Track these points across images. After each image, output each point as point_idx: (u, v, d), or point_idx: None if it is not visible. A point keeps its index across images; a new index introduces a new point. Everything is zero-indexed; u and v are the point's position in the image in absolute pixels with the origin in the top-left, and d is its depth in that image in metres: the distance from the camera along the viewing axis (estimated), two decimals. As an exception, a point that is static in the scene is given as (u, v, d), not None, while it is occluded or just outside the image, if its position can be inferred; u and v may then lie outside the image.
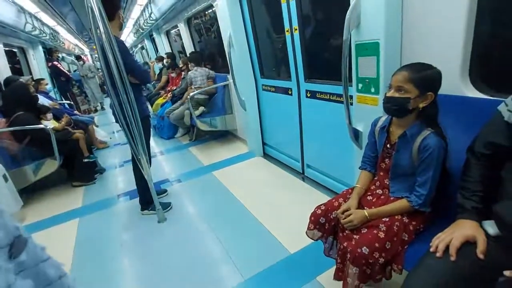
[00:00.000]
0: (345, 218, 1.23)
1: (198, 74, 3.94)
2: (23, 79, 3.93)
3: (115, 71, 1.91)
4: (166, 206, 2.50)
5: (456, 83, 1.24)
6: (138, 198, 2.51)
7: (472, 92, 1.24)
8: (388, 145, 1.29)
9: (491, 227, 0.93)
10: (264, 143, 3.43)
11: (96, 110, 8.29)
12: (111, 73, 1.92)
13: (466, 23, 1.17)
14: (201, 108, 3.96)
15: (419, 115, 1.17)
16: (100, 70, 9.26)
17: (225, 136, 4.32)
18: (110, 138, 4.95)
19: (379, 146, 1.33)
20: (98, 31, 1.85)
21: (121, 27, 2.27)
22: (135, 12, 5.46)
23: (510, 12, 1.20)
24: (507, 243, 0.89)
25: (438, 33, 1.27)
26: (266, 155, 3.43)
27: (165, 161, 3.82)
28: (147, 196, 2.37)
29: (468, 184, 1.02)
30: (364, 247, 1.10)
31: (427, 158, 1.12)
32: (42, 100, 3.88)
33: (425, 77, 1.11)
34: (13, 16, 3.93)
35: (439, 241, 0.96)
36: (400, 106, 1.14)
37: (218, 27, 3.34)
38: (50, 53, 6.63)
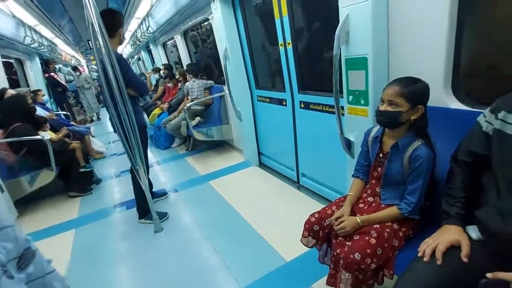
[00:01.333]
0: (338, 225, 1.27)
1: (195, 85, 4.01)
2: (20, 90, 3.97)
3: (114, 84, 1.97)
4: (163, 216, 2.52)
5: (440, 95, 1.31)
6: (136, 206, 2.55)
7: (455, 104, 1.31)
8: (380, 155, 1.34)
9: (474, 232, 0.98)
10: (259, 153, 3.48)
11: (92, 120, 8.30)
12: (110, 85, 1.98)
13: (447, 40, 1.25)
14: (197, 118, 4.02)
15: (410, 126, 1.22)
16: (96, 81, 9.33)
17: (221, 146, 4.37)
18: (107, 148, 4.97)
19: (371, 155, 1.38)
20: (98, 45, 1.91)
21: (120, 43, 2.34)
22: (133, 25, 5.56)
23: (487, 30, 1.29)
24: (489, 247, 0.95)
25: (422, 49, 1.35)
26: (261, 165, 3.47)
27: (161, 171, 3.85)
28: (145, 205, 2.40)
29: (451, 191, 1.07)
30: (357, 253, 1.15)
31: (418, 168, 1.17)
32: (39, 111, 3.91)
33: (415, 91, 1.16)
34: (13, 29, 3.99)
35: (426, 246, 1.01)
36: (392, 119, 1.20)
37: (214, 38, 3.43)
38: (47, 64, 6.67)
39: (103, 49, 1.91)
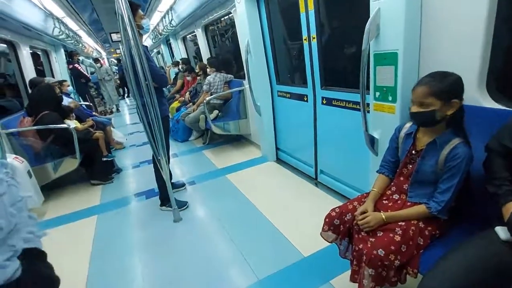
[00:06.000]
0: (362, 220, 1.26)
1: (217, 79, 4.04)
2: (48, 80, 4.13)
3: (140, 75, 2.02)
4: (183, 204, 2.59)
5: (473, 93, 1.27)
6: (158, 195, 2.65)
7: (489, 103, 1.27)
8: (413, 151, 1.31)
9: (503, 233, 0.96)
10: (277, 148, 3.48)
11: (111, 112, 8.51)
12: (136, 76, 2.03)
13: (484, 36, 1.20)
14: (215, 112, 4.06)
15: (448, 122, 1.19)
16: (116, 73, 9.54)
17: (238, 140, 4.39)
18: (126, 139, 5.09)
19: (402, 152, 1.36)
20: (127, 37, 1.96)
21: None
22: (155, 18, 5.64)
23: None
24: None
25: (456, 44, 1.30)
26: (279, 160, 3.47)
27: (179, 163, 3.91)
28: (166, 193, 2.46)
29: (494, 174, 1.06)
30: (380, 249, 1.14)
31: (455, 167, 1.14)
32: (66, 101, 4.04)
33: (445, 87, 1.12)
34: (42, 21, 4.14)
35: None
36: (427, 120, 1.17)
37: (233, 33, 3.43)
38: (71, 55, 6.88)
39: (131, 41, 1.95)
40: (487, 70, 1.26)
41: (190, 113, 4.35)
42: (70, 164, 3.16)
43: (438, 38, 1.37)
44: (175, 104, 5.37)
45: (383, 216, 1.24)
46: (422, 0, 1.37)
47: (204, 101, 3.79)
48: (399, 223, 1.22)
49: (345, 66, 2.34)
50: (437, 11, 1.34)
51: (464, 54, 1.28)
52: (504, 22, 1.20)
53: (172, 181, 2.75)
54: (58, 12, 4.36)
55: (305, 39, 2.45)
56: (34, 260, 0.81)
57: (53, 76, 5.88)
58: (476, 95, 1.28)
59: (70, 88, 4.90)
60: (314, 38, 2.34)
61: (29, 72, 4.26)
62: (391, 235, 1.19)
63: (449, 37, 1.33)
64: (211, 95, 4.03)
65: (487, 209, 1.10)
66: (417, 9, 1.38)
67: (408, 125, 1.35)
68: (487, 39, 1.21)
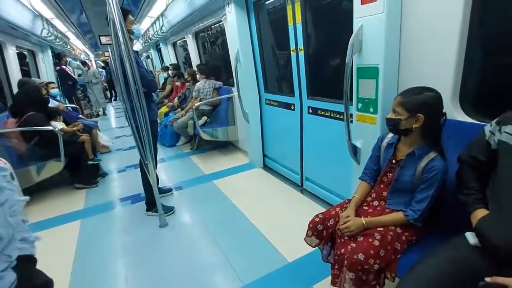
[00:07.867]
0: (343, 224, 1.32)
1: (206, 86, 4.08)
2: (36, 81, 4.05)
3: (130, 79, 2.03)
4: (169, 209, 2.59)
5: (447, 107, 1.36)
6: (144, 200, 2.64)
7: (462, 116, 1.36)
8: (393, 161, 1.38)
9: (472, 238, 1.03)
10: (264, 155, 3.53)
11: (98, 115, 8.38)
12: (126, 81, 2.05)
13: (457, 54, 1.30)
14: (204, 118, 4.08)
15: (423, 135, 1.27)
16: (102, 76, 9.41)
17: (226, 146, 4.42)
18: (112, 143, 5.03)
19: (383, 160, 1.43)
20: (118, 41, 1.98)
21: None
22: (145, 23, 5.64)
23: (497, 43, 1.34)
24: (487, 253, 0.99)
25: (432, 61, 1.40)
26: (266, 167, 3.52)
27: (166, 168, 3.89)
28: (152, 198, 2.45)
29: (464, 183, 1.15)
30: (360, 254, 1.19)
31: (431, 178, 1.21)
32: (52, 103, 3.97)
33: (414, 101, 1.21)
34: (29, 22, 4.08)
35: None
36: (393, 126, 1.28)
37: (223, 40, 3.48)
38: (58, 57, 6.77)
39: (122, 46, 1.97)
40: (460, 86, 1.35)
41: (178, 119, 4.35)
42: (54, 167, 3.09)
43: (416, 55, 1.46)
44: (164, 109, 5.36)
45: (363, 222, 1.30)
46: (402, 19, 1.47)
47: (193, 106, 3.82)
48: (378, 229, 1.28)
49: (331, 77, 2.43)
50: (415, 30, 1.44)
51: (439, 71, 1.38)
52: (475, 43, 1.30)
53: (158, 186, 2.75)
54: (47, 13, 4.31)
55: (292, 51, 2.54)
56: (27, 268, 0.81)
57: (39, 77, 5.77)
58: (450, 109, 1.37)
59: (56, 91, 4.80)
60: (301, 49, 2.43)
61: (15, 72, 4.18)
62: (370, 240, 1.25)
63: (425, 55, 1.42)
64: (200, 101, 4.06)
65: (460, 216, 1.18)
66: (397, 27, 1.47)
67: (390, 135, 1.43)
68: (459, 58, 1.31)
